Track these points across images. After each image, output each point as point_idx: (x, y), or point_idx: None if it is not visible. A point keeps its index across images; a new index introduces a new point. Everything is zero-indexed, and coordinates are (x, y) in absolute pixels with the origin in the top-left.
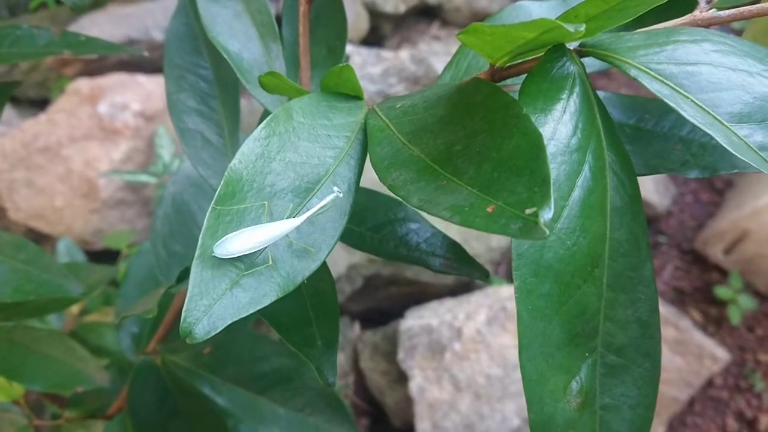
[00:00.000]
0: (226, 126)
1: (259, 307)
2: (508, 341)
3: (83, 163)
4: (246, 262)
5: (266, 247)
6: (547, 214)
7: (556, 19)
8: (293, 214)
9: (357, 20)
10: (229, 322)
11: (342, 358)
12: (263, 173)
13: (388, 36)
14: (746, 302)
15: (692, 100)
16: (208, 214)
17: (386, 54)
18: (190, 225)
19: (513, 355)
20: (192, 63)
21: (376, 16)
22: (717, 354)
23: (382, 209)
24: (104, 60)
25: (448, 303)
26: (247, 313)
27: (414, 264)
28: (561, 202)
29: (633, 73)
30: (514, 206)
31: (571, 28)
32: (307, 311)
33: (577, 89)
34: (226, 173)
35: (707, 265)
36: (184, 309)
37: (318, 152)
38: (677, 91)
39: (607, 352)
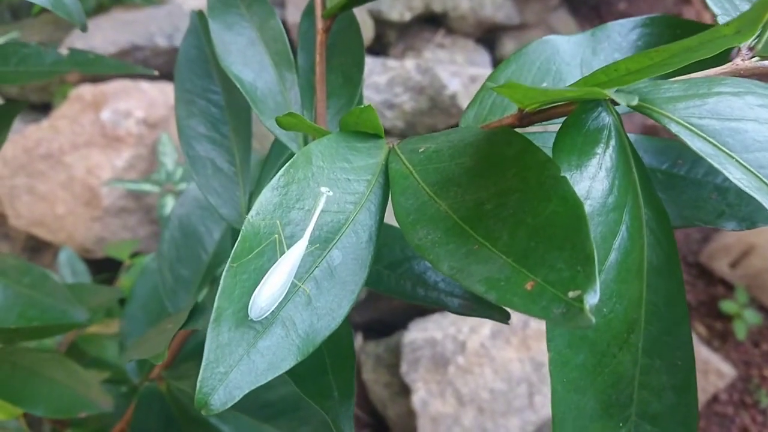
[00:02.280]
0: (238, 153)
1: (278, 373)
2: (512, 355)
3: (85, 171)
4: (263, 322)
5: (283, 304)
6: (592, 299)
7: (597, 72)
8: (313, 267)
9: (362, 28)
10: (247, 391)
11: None
12: (282, 224)
13: (393, 44)
14: (752, 317)
15: (737, 160)
16: (224, 273)
17: (392, 63)
18: (197, 249)
19: (517, 369)
20: (203, 87)
21: (381, 23)
22: (722, 370)
23: (398, 245)
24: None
25: (452, 316)
26: (266, 381)
27: (432, 305)
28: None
29: (674, 129)
30: (555, 286)
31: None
32: (322, 358)
33: (613, 142)
34: (243, 227)
35: (713, 279)
36: (199, 378)
37: (338, 198)
38: (721, 149)
39: (641, 421)
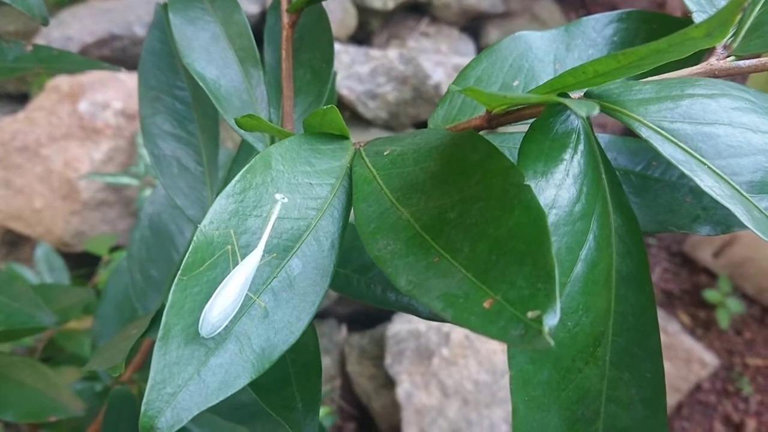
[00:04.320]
0: (205, 152)
1: (230, 392)
2: (496, 346)
3: (63, 163)
4: (216, 338)
5: (237, 318)
6: (552, 320)
7: (564, 74)
8: (271, 278)
9: (345, 17)
10: (196, 413)
11: (329, 362)
12: (237, 233)
13: (376, 32)
14: (735, 306)
15: (709, 167)
16: (173, 287)
17: (375, 53)
18: (168, 248)
19: (501, 360)
20: (168, 83)
21: (364, 12)
22: (705, 359)
23: None
24: (85, 56)
25: None
26: (217, 401)
27: (402, 311)
28: (562, 278)
29: (644, 133)
30: (514, 305)
31: (582, 111)
32: (286, 368)
33: (581, 146)
34: (194, 238)
35: (696, 268)
36: (144, 399)
37: (299, 204)
38: (693, 156)
39: None
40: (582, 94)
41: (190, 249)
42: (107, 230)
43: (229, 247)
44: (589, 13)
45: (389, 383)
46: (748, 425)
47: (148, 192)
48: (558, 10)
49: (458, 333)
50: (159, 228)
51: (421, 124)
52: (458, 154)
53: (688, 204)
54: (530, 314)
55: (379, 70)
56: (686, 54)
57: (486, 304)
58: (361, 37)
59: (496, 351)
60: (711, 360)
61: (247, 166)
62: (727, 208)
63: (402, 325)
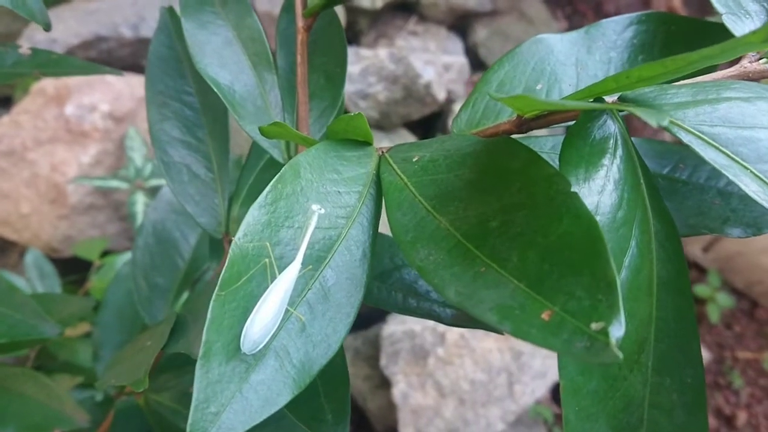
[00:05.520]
0: (215, 158)
1: (274, 410)
2: (491, 345)
3: (50, 167)
4: (255, 354)
5: (275, 333)
6: (618, 331)
7: (608, 79)
8: (306, 290)
9: None
10: None
11: None
12: (272, 245)
13: (364, 32)
14: (724, 300)
15: (752, 171)
16: (211, 304)
17: (365, 52)
18: (173, 255)
19: (497, 359)
20: (176, 89)
21: (352, 11)
22: None
23: (387, 254)
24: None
25: None
26: (261, 419)
27: (424, 317)
28: None
29: (685, 138)
30: (576, 316)
31: (653, 121)
32: (314, 380)
33: (619, 151)
34: (230, 251)
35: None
36: (189, 420)
37: (328, 213)
38: (735, 160)
39: None
40: (616, 98)
41: (226, 264)
42: (96, 235)
43: (266, 260)
44: (576, 11)
45: (385, 384)
46: (739, 417)
47: (138, 195)
48: (545, 9)
49: (453, 333)
50: (163, 235)
51: (412, 124)
52: (495, 161)
53: (717, 206)
54: (594, 326)
55: (370, 70)
56: (733, 57)
57: (545, 316)
58: (349, 36)
59: (491, 350)
60: (702, 354)
61: (277, 176)
62: (756, 211)
63: (397, 325)
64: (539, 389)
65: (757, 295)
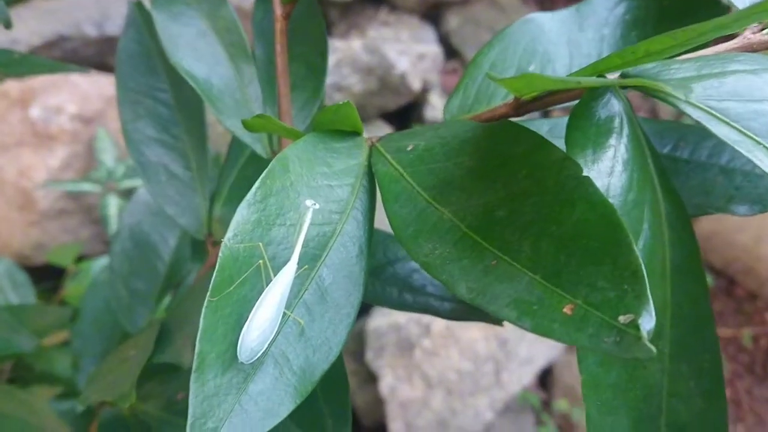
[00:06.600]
0: (193, 156)
1: (276, 421)
2: (477, 334)
3: (17, 173)
4: (253, 362)
5: (274, 338)
6: (648, 323)
7: (612, 55)
8: (302, 291)
9: None
10: None
11: None
12: (264, 245)
13: (335, 23)
14: None
15: (765, 147)
16: (203, 311)
17: (338, 44)
18: (152, 259)
19: (483, 348)
20: (148, 86)
21: (323, 2)
22: None
23: (380, 248)
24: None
25: None
26: (264, 431)
27: (422, 312)
28: None
29: (694, 114)
30: (601, 308)
31: (680, 93)
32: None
33: (626, 130)
34: (220, 254)
35: None
36: None
37: (321, 208)
38: (747, 135)
39: None
40: (618, 75)
41: (216, 267)
42: (69, 240)
43: (261, 261)
44: None
45: (371, 378)
46: None
47: (111, 198)
48: None
49: (439, 324)
50: (141, 239)
51: (389, 115)
52: (497, 147)
53: (721, 184)
54: (622, 319)
55: (344, 62)
56: (744, 26)
57: (567, 310)
58: None
59: (477, 339)
60: None
61: (265, 171)
62: (761, 187)
63: (381, 318)
64: (526, 376)
65: (734, 272)
